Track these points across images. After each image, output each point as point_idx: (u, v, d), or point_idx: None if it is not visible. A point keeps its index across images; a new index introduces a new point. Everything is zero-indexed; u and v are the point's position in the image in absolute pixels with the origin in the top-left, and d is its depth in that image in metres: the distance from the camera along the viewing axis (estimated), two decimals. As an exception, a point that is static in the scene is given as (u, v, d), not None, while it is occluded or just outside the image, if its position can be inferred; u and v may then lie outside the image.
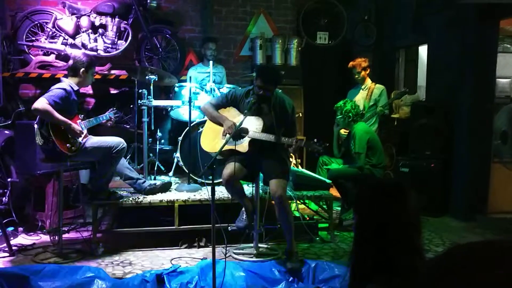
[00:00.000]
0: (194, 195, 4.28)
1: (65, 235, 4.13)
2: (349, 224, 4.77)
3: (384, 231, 1.35)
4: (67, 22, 5.72)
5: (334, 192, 4.72)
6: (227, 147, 3.57)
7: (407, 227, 1.36)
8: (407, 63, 6.84)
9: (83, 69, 3.97)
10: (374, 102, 5.43)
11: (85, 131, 3.95)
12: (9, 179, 4.58)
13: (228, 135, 3.61)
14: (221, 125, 3.81)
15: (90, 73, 4.06)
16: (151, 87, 4.71)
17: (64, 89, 3.85)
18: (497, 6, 4.89)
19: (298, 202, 4.41)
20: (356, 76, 5.47)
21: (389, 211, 1.37)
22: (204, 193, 4.34)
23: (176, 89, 5.18)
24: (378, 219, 1.37)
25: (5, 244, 3.93)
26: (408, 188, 1.41)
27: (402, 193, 1.40)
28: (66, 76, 4.08)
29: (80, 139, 3.87)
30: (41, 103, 3.67)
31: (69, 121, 3.79)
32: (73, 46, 5.70)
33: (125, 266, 3.70)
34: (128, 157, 5.10)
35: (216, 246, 3.00)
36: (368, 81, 5.50)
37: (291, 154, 4.41)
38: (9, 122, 4.99)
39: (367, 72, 5.47)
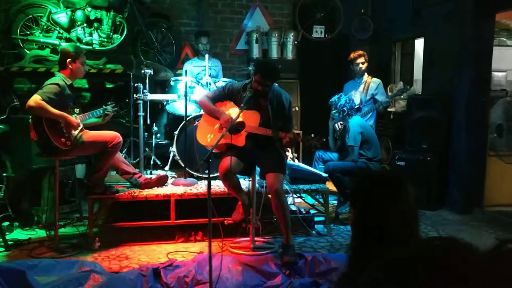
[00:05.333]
0: (190, 189, 4.28)
1: (61, 230, 4.12)
2: (345, 218, 4.78)
3: (383, 222, 1.34)
4: (62, 16, 5.68)
5: (330, 185, 4.72)
6: (223, 140, 3.56)
7: (405, 218, 1.36)
8: (403, 57, 6.83)
9: (69, 59, 3.92)
10: (371, 96, 5.42)
11: (81, 125, 3.94)
12: (4, 174, 4.55)
13: (224, 129, 3.60)
14: (217, 118, 3.80)
15: (79, 64, 3.95)
16: (147, 81, 4.69)
17: (58, 84, 3.82)
18: (494, -1, 4.89)
19: (294, 195, 4.42)
20: (358, 68, 5.44)
21: (387, 203, 1.36)
22: (200, 187, 4.33)
23: (172, 83, 5.16)
24: (377, 210, 1.36)
25: (0, 239, 3.92)
26: (406, 179, 1.40)
27: (401, 184, 1.39)
28: (58, 70, 4.05)
29: (75, 132, 3.85)
30: (35, 100, 3.64)
31: (65, 114, 3.77)
32: (68, 40, 5.66)
33: (121, 260, 3.70)
34: (124, 152, 5.08)
35: (212, 239, 3.00)
36: (365, 75, 5.50)
37: (288, 148, 4.40)
38: (4, 116, 4.96)
39: (366, 65, 5.46)
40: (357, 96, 5.42)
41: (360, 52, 5.49)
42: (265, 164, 3.77)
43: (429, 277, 0.74)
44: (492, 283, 0.71)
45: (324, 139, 3.66)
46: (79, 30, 5.68)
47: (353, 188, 1.52)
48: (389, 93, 5.72)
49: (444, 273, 0.73)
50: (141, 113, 4.66)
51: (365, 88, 5.42)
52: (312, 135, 3.61)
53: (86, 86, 6.17)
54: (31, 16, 5.68)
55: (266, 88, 3.72)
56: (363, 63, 5.44)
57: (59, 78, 3.90)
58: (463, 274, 0.73)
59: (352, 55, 5.51)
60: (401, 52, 6.81)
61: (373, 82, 5.44)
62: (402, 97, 6.13)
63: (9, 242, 3.95)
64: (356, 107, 5.11)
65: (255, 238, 3.98)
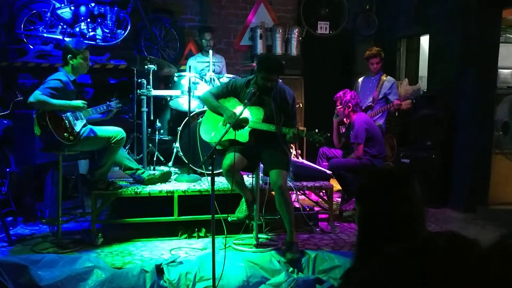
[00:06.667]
0: (194, 185, 4.27)
1: (64, 225, 4.12)
2: (349, 215, 4.76)
3: (390, 218, 1.33)
4: (66, 11, 5.67)
5: (334, 183, 4.70)
6: (227, 137, 3.55)
7: (412, 215, 1.34)
8: (409, 53, 6.79)
9: (70, 55, 3.91)
10: (383, 95, 5.37)
11: (84, 120, 3.93)
12: (8, 169, 4.56)
13: (228, 125, 3.59)
14: (221, 115, 3.79)
15: (80, 59, 3.92)
16: (150, 77, 4.67)
17: (60, 80, 3.81)
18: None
19: (298, 192, 4.40)
20: (373, 67, 5.40)
21: (393, 200, 1.35)
22: (203, 184, 4.32)
23: (175, 79, 5.14)
24: (383, 207, 1.35)
25: (4, 234, 3.92)
26: (413, 176, 1.39)
27: (407, 182, 1.38)
28: (62, 66, 4.04)
29: (78, 128, 3.85)
30: (35, 96, 3.63)
31: (68, 102, 3.76)
32: (72, 35, 5.65)
33: (124, 256, 3.70)
34: (127, 147, 5.07)
35: (215, 236, 2.99)
36: (380, 73, 5.45)
37: (291, 143, 4.38)
38: (8, 111, 4.95)
39: (381, 64, 5.41)
40: (370, 94, 5.39)
41: (375, 51, 5.41)
42: (268, 160, 3.76)
43: (429, 271, 0.73)
44: (493, 278, 0.70)
45: (329, 134, 3.64)
46: (82, 25, 5.67)
47: (359, 185, 1.50)
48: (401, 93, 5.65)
49: (444, 267, 0.72)
50: (144, 109, 4.65)
51: (378, 86, 5.37)
52: (316, 130, 3.59)
53: (90, 81, 6.16)
54: (35, 11, 5.67)
55: (273, 83, 3.70)
56: (377, 63, 5.39)
57: (62, 73, 3.89)
58: (463, 268, 0.72)
59: (367, 53, 5.46)
60: (406, 49, 6.78)
61: (387, 81, 5.38)
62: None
63: (12, 237, 3.96)
64: (367, 105, 5.08)
65: (259, 235, 3.97)
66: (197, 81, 4.97)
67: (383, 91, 5.35)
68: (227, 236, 3.61)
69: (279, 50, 6.47)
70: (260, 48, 6.45)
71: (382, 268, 0.79)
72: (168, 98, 5.08)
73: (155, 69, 4.71)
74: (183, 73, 5.20)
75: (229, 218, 3.87)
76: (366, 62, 5.50)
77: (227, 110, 3.73)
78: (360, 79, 5.66)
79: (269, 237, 4.12)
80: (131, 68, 4.94)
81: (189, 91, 4.54)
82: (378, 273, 0.79)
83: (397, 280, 0.74)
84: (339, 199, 5.04)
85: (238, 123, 3.63)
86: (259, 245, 3.90)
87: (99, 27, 5.71)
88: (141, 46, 6.05)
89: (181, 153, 4.72)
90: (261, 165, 3.93)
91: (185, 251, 3.80)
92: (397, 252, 0.80)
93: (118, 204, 4.53)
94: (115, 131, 3.99)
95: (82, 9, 5.68)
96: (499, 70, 5.23)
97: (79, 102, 3.81)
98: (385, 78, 5.39)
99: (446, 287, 0.70)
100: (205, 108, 4.24)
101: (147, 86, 4.65)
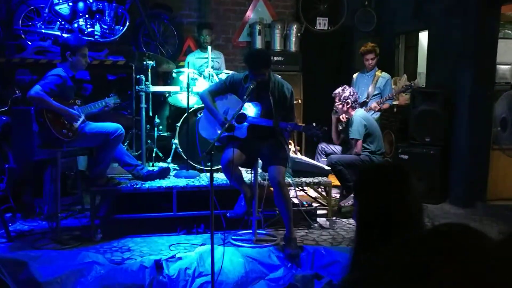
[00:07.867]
0: (193, 181, 4.27)
1: (63, 222, 4.12)
2: (347, 211, 4.77)
3: (388, 213, 1.33)
4: (64, 7, 5.65)
5: (333, 178, 4.71)
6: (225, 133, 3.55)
7: (409, 210, 1.35)
8: (407, 49, 6.79)
9: (69, 52, 3.90)
10: (378, 91, 5.37)
11: (82, 117, 3.93)
12: (6, 165, 4.55)
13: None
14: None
15: (79, 55, 3.91)
16: (149, 73, 4.67)
17: (59, 75, 3.81)
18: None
19: (296, 188, 4.41)
20: (367, 63, 5.40)
21: (392, 193, 1.35)
22: (202, 179, 4.33)
23: (174, 75, 5.14)
24: (381, 201, 1.35)
25: (3, 230, 3.93)
26: (409, 170, 1.39)
27: (404, 175, 1.38)
28: (60, 62, 4.03)
29: (77, 124, 3.85)
30: (36, 90, 3.63)
31: (65, 108, 3.76)
32: (70, 31, 5.63)
33: (123, 252, 3.71)
34: (126, 144, 5.07)
35: (214, 232, 2.99)
36: (375, 69, 5.45)
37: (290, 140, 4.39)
38: (6, 108, 4.95)
39: (375, 60, 5.41)
40: (364, 90, 5.39)
41: (369, 47, 5.40)
42: (267, 156, 3.76)
43: (445, 255, 0.72)
44: (505, 270, 0.70)
45: (326, 128, 3.64)
46: (81, 22, 5.65)
47: (356, 180, 1.51)
48: (394, 88, 5.66)
49: (460, 252, 0.72)
50: (143, 105, 4.65)
51: (373, 82, 5.37)
52: (314, 124, 3.59)
53: (88, 77, 6.15)
54: (33, 7, 5.65)
55: (265, 77, 3.68)
56: (372, 59, 5.39)
57: (61, 69, 3.89)
58: (478, 256, 0.72)
59: (362, 49, 5.46)
60: (405, 45, 6.77)
61: (382, 77, 5.39)
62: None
63: (12, 233, 3.96)
64: (362, 101, 5.07)
65: (257, 231, 3.98)
66: (195, 77, 4.96)
67: (377, 87, 5.36)
68: (226, 231, 3.62)
69: (277, 46, 6.47)
70: (258, 44, 6.45)
71: (397, 253, 0.78)
72: (167, 94, 5.08)
73: (154, 65, 4.71)
74: (181, 69, 5.20)
75: (227, 213, 3.88)
76: (362, 58, 5.51)
77: (218, 117, 3.73)
78: (355, 75, 5.67)
79: (267, 232, 4.13)
80: (129, 64, 4.94)
81: (188, 87, 4.54)
82: (393, 258, 0.78)
83: (413, 264, 0.74)
84: (338, 195, 5.05)
85: (231, 127, 3.59)
86: (258, 240, 3.90)
87: (97, 23, 5.68)
88: (139, 42, 6.03)
89: (180, 149, 4.72)
90: (260, 161, 3.93)
91: (184, 247, 3.81)
92: (411, 239, 0.80)
93: (117, 200, 4.53)
94: (113, 127, 3.99)
95: (80, 5, 5.65)
96: (498, 65, 5.23)
97: (75, 113, 3.81)
98: (380, 74, 5.40)
99: (461, 272, 0.70)
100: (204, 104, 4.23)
101: (146, 82, 4.65)
